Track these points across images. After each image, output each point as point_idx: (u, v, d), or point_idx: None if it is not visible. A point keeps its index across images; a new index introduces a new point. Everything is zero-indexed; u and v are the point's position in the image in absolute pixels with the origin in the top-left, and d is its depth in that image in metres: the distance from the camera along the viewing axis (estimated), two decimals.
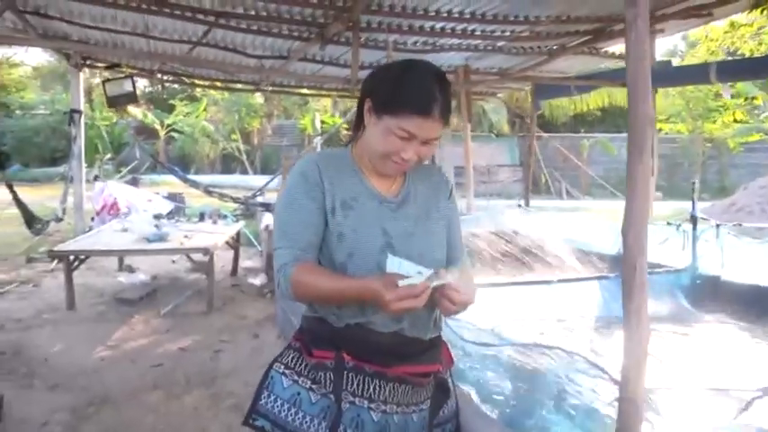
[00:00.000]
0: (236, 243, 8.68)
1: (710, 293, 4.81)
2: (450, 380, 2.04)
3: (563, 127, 25.19)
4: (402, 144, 1.75)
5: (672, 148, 23.73)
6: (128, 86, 8.69)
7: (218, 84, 11.53)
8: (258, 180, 18.54)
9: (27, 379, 4.90)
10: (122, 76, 8.95)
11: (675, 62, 22.81)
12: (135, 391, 4.78)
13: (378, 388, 1.81)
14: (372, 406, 1.80)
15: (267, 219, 9.55)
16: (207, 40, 7.22)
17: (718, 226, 5.03)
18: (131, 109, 22.81)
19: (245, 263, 9.14)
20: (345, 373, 1.80)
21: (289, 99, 25.86)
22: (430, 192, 1.97)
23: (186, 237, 7.47)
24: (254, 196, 11.92)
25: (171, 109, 26.21)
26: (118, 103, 9.25)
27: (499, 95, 13.89)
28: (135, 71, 9.44)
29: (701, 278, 4.93)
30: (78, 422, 4.21)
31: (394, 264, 1.67)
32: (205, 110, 26.36)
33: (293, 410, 1.84)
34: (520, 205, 7.89)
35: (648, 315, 1.78)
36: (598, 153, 23.41)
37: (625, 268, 1.70)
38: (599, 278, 4.77)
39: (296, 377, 1.87)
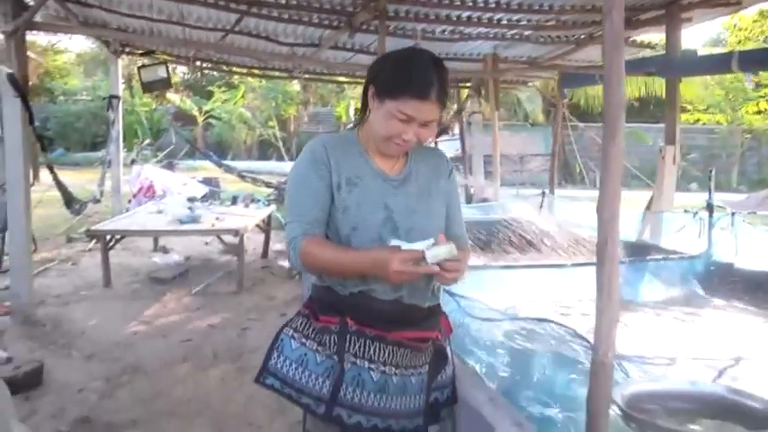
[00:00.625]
0: (266, 226, 8.91)
1: (724, 280, 4.88)
2: (448, 348, 2.20)
3: (599, 117, 24.84)
4: (402, 126, 1.91)
5: (710, 139, 23.34)
6: (162, 72, 8.95)
7: (255, 71, 11.77)
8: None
9: (65, 349, 5.19)
10: (157, 62, 9.22)
11: (719, 51, 22.56)
12: (165, 363, 5.03)
13: (378, 350, 1.98)
14: (372, 366, 1.96)
15: None
16: (240, 27, 7.42)
17: (733, 214, 5.10)
18: (170, 95, 23.22)
19: (275, 246, 9.33)
20: (348, 336, 1.97)
21: (325, 87, 26.04)
22: (431, 171, 2.12)
23: (218, 219, 7.73)
24: (283, 183, 12.17)
25: (209, 96, 26.57)
26: (153, 88, 9.55)
27: (531, 84, 13.90)
28: (171, 58, 9.72)
29: (714, 265, 5.00)
30: (112, 389, 4.47)
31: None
32: (243, 97, 26.70)
33: (300, 370, 2.00)
34: (544, 193, 7.97)
35: (616, 292, 1.89)
36: (633, 143, 23.07)
37: (599, 241, 1.83)
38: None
39: (303, 340, 2.04)
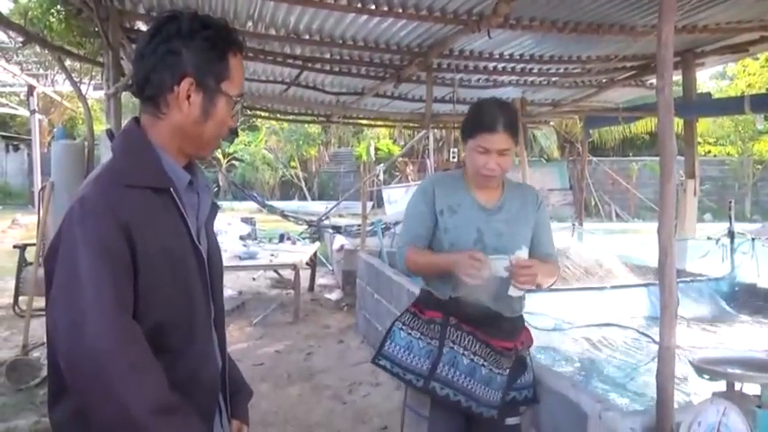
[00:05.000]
0: (312, 262, 9.53)
1: (748, 298, 5.47)
2: (528, 357, 2.76)
3: (611, 151, 25.57)
4: (484, 158, 2.53)
5: (722, 170, 23.90)
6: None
7: (300, 117, 12.39)
8: (316, 205, 19.34)
9: None
10: None
11: (726, 84, 23.20)
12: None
13: (471, 342, 2.58)
14: (465, 353, 2.57)
15: (339, 240, 10.39)
16: (299, 81, 8.14)
17: (753, 240, 5.70)
18: None
19: (318, 280, 9.94)
20: (449, 327, 2.59)
21: (345, 128, 26.79)
22: (521, 203, 2.69)
23: (273, 255, 8.36)
24: (321, 220, 12.79)
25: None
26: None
27: (552, 124, 14.55)
28: None
29: (739, 285, 5.60)
30: None
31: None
32: (265, 139, 27.52)
33: (407, 353, 2.65)
34: (573, 225, 8.58)
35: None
36: (647, 176, 23.56)
37: (660, 254, 2.44)
38: (646, 285, 5.46)
39: (410, 331, 2.68)
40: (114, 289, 1.37)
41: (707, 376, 2.17)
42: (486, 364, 2.56)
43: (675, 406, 2.45)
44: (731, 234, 5.66)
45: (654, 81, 8.74)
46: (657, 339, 2.47)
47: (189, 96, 1.54)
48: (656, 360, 2.53)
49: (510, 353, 2.61)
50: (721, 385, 2.25)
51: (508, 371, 2.59)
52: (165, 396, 1.39)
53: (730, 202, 5.86)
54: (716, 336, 4.60)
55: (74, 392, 1.38)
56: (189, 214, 1.58)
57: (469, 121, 2.59)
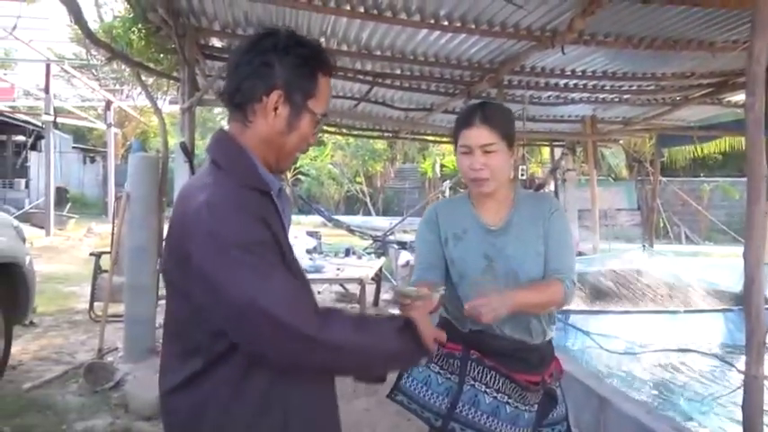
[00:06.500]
0: (378, 277, 9.52)
1: None
2: (559, 389, 2.52)
3: (682, 171, 24.84)
4: (468, 159, 2.34)
5: None
6: None
7: (356, 132, 12.52)
8: (381, 221, 19.42)
9: None
10: None
11: None
12: None
13: (493, 378, 2.37)
14: (487, 390, 2.35)
15: (404, 256, 10.37)
16: (369, 96, 8.17)
17: None
18: None
19: (383, 295, 9.91)
20: (469, 362, 2.39)
21: (411, 144, 26.87)
22: (531, 216, 2.41)
23: (339, 269, 8.40)
24: (386, 235, 12.82)
25: None
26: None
27: (620, 141, 14.27)
28: None
29: None
30: None
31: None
32: (331, 154, 27.83)
33: (425, 389, 2.43)
34: (644, 246, 8.37)
35: None
36: (719, 198, 22.81)
37: (746, 279, 2.35)
38: (723, 311, 5.27)
39: (428, 363, 2.40)
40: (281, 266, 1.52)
41: None
42: (510, 401, 2.35)
43: None
44: None
45: (731, 99, 8.52)
46: (741, 368, 2.37)
47: (276, 108, 1.61)
48: (740, 390, 2.43)
49: (537, 387, 2.40)
50: None
51: (536, 406, 2.40)
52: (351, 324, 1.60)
53: None
54: None
55: (286, 360, 1.53)
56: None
57: (453, 130, 2.44)
